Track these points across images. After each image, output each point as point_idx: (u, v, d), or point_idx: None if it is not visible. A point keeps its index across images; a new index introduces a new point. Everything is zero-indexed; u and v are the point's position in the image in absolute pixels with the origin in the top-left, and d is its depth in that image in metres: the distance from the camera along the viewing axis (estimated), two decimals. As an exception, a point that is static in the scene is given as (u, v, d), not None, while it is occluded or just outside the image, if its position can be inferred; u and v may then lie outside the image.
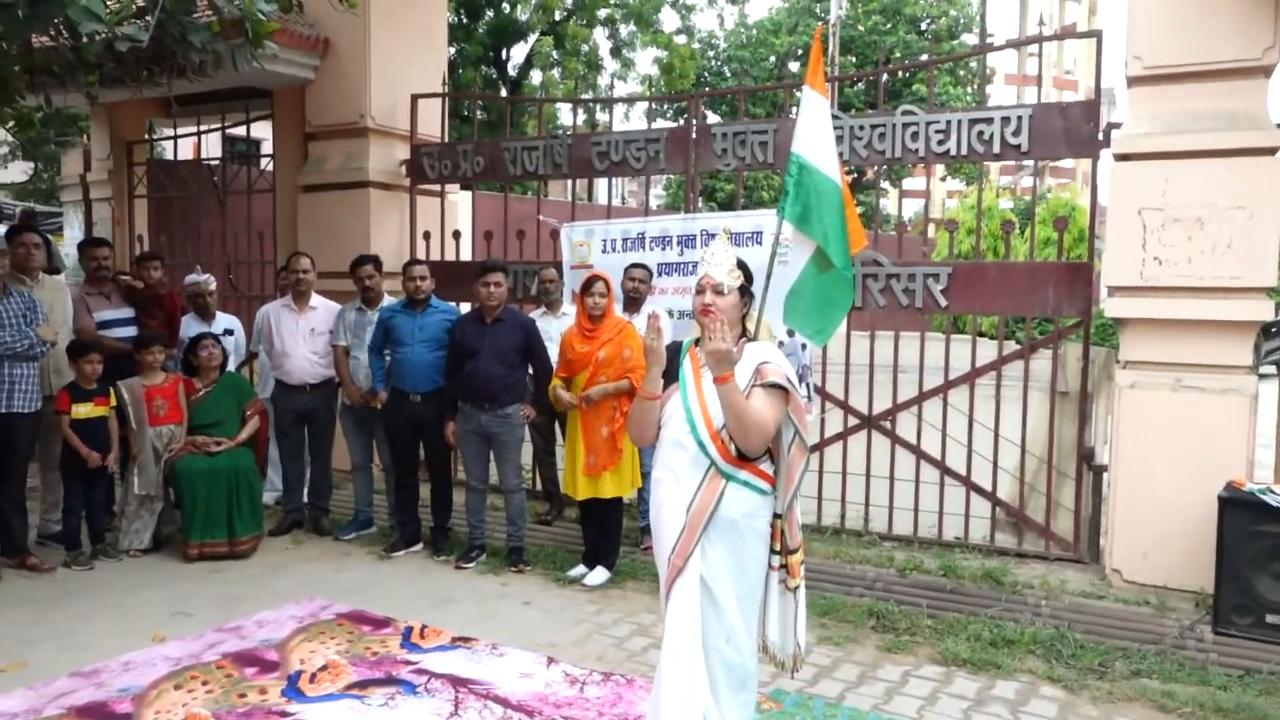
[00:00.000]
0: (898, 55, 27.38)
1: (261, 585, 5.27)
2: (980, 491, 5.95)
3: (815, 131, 3.36)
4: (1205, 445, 5.03)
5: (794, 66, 31.48)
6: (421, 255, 7.57)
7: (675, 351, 3.17)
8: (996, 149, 5.75)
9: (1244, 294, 4.98)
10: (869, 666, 4.28)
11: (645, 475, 5.80)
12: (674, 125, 7.21)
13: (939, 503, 5.99)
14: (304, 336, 6.17)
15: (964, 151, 5.84)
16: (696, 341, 3.15)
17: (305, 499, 6.45)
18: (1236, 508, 4.67)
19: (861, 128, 6.05)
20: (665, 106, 27.25)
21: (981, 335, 6.39)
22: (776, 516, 3.04)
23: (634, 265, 6.09)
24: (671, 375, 3.09)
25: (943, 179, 32.43)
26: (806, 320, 3.47)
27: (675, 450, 3.01)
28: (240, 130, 9.03)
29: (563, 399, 5.33)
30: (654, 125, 7.02)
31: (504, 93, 20.61)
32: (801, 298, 3.43)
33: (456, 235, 7.66)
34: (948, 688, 4.06)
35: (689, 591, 2.94)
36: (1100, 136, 5.51)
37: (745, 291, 3.12)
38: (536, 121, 8.55)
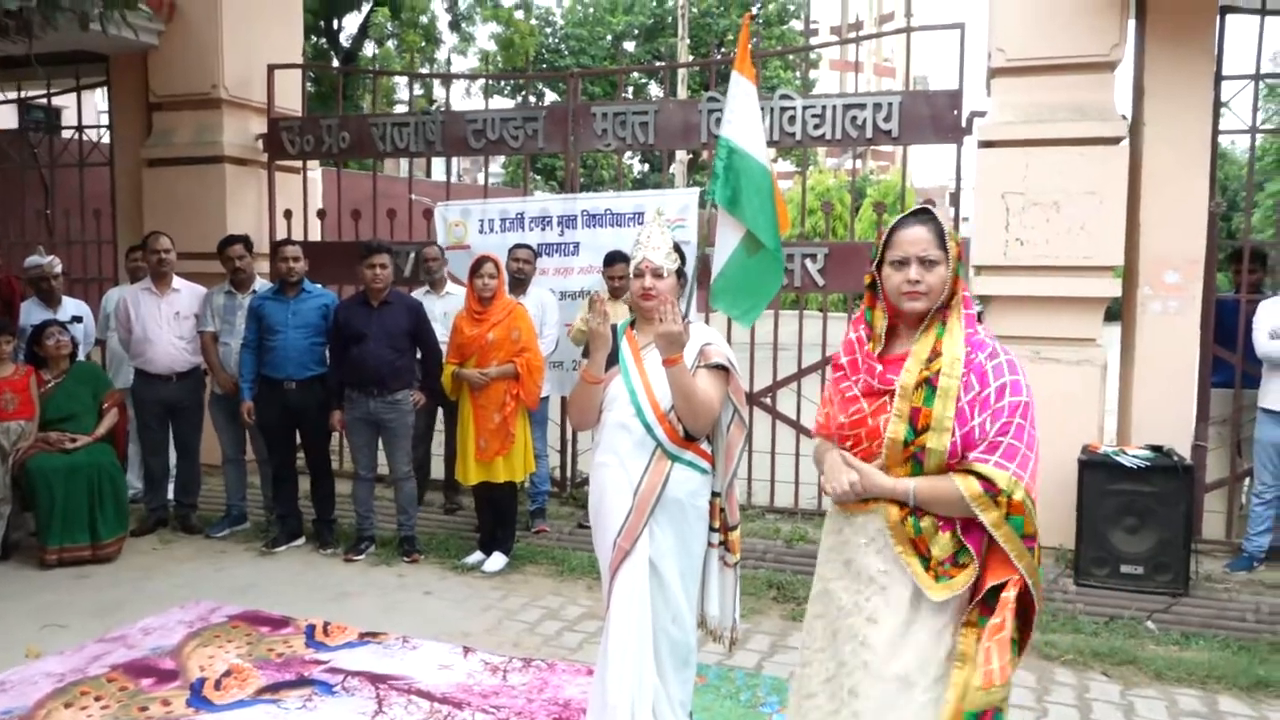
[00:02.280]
0: (730, 39, 27.99)
1: (137, 590, 4.93)
2: (856, 462, 6.22)
3: (743, 115, 3.42)
4: (1063, 412, 5.43)
5: (629, 46, 31.68)
6: (282, 235, 7.21)
7: (611, 334, 3.16)
8: (869, 134, 6.00)
9: (1095, 272, 5.42)
10: (778, 636, 4.43)
11: (538, 458, 5.79)
12: (553, 104, 7.12)
13: (818, 474, 6.21)
14: (167, 321, 5.77)
15: (838, 136, 6.06)
16: (632, 324, 3.16)
17: (170, 495, 6.06)
18: (1093, 469, 5.09)
19: (741, 111, 6.17)
20: (503, 85, 26.96)
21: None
22: (715, 495, 3.11)
23: (518, 245, 6.01)
24: (609, 358, 3.09)
25: (775, 160, 33.53)
26: (735, 302, 3.54)
27: (620, 433, 3.02)
28: (66, 99, 8.29)
29: (469, 376, 5.20)
30: (519, 103, 6.93)
31: (335, 64, 19.76)
32: (730, 280, 3.49)
33: (321, 214, 7.33)
34: (855, 651, 4.25)
35: (637, 573, 2.96)
36: (964, 124, 5.83)
37: (680, 274, 3.15)
38: (371, 95, 8.25)
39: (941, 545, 2.17)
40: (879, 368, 2.25)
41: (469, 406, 5.29)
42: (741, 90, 3.44)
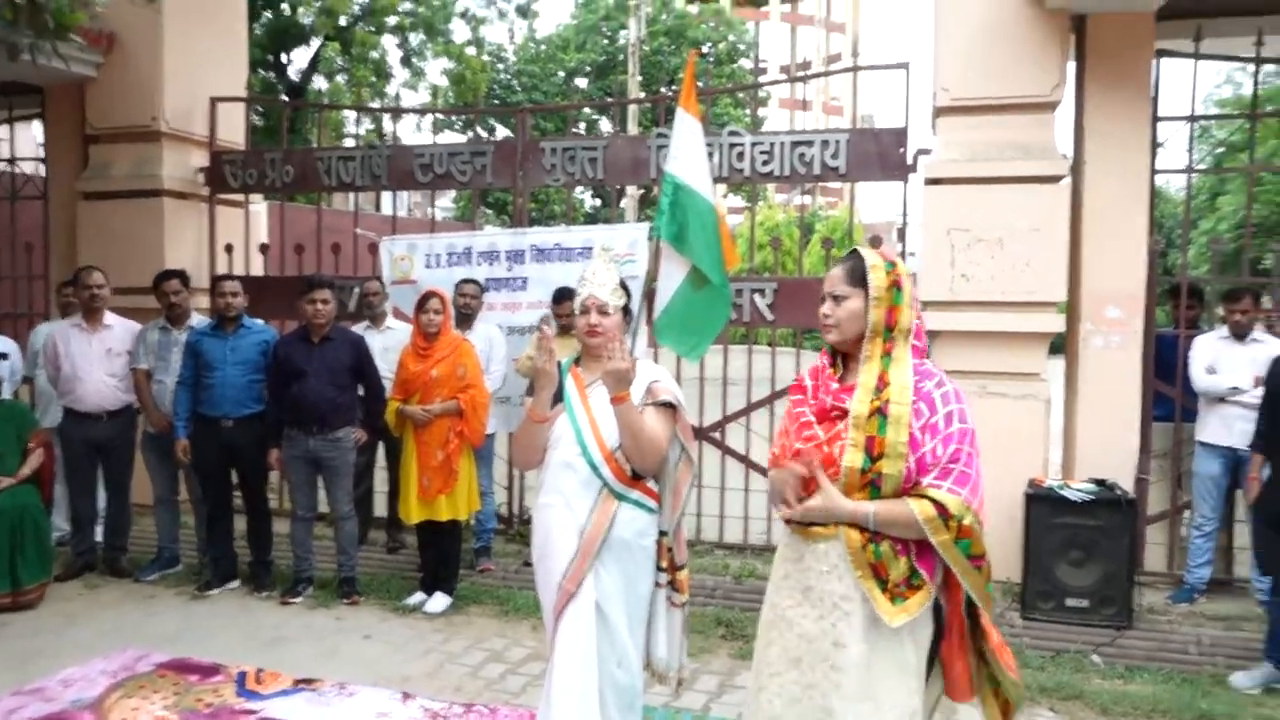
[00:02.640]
0: (681, 76, 28.33)
1: (59, 637, 4.71)
2: (806, 498, 6.19)
3: (689, 152, 3.40)
4: (1009, 446, 5.45)
5: (582, 83, 31.93)
6: (223, 269, 7.08)
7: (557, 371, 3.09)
8: (817, 170, 6.04)
9: (1039, 308, 5.47)
10: (726, 675, 4.35)
11: (483, 496, 5.67)
12: (502, 139, 7.08)
13: (767, 509, 6.18)
14: (99, 358, 5.56)
15: (786, 172, 6.10)
16: (577, 360, 3.10)
17: (98, 538, 5.83)
18: (1040, 503, 5.11)
19: (689, 147, 6.19)
20: (454, 120, 27.01)
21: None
22: (662, 534, 3.04)
23: (464, 280, 5.92)
24: (554, 396, 3.02)
25: (725, 195, 33.82)
26: (681, 338, 3.49)
27: (565, 473, 2.95)
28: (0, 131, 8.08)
29: (412, 413, 5.09)
30: (468, 137, 6.89)
31: (282, 98, 19.58)
32: (675, 316, 3.45)
33: (264, 249, 7.19)
34: (805, 691, 4.18)
35: (583, 616, 2.89)
36: (910, 162, 5.89)
37: (626, 310, 3.10)
38: (318, 130, 8.13)
39: (899, 569, 2.26)
40: (835, 385, 2.39)
41: (412, 444, 5.18)
42: (687, 127, 3.43)
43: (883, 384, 2.30)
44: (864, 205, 37.91)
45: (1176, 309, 5.81)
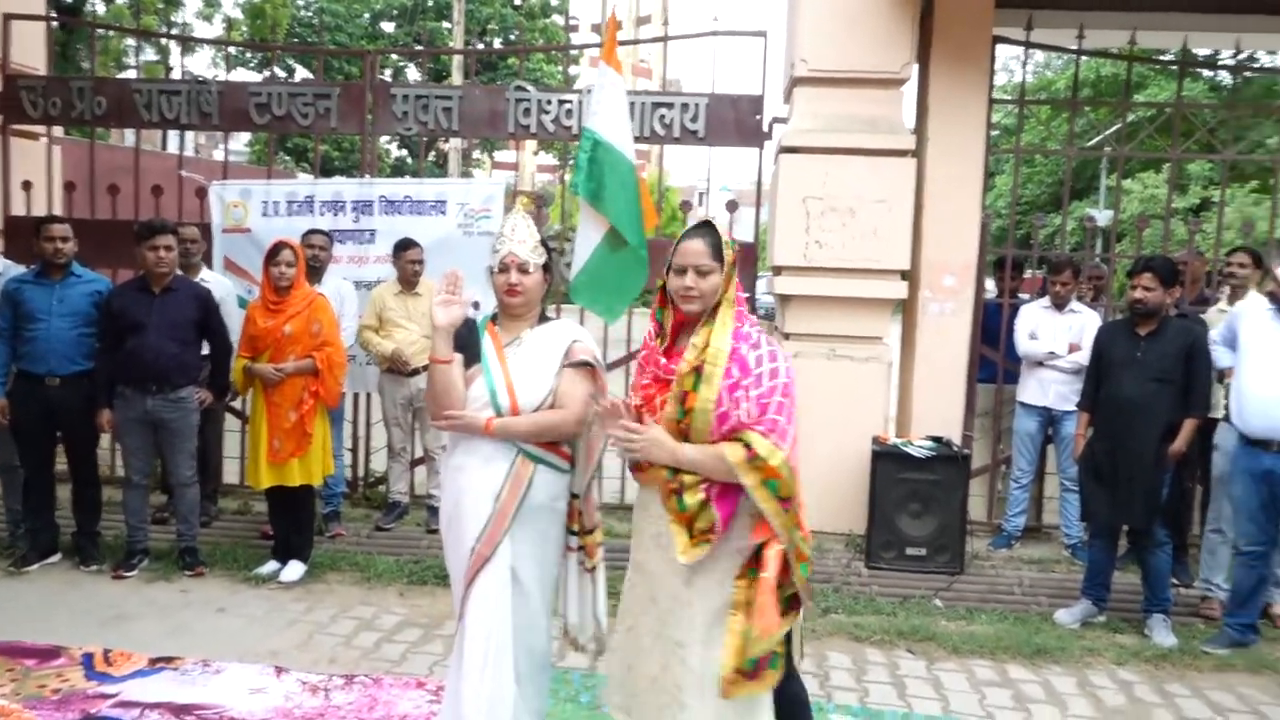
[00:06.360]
0: (493, 26, 27.74)
1: None
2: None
3: (611, 109, 3.34)
4: (854, 406, 5.74)
5: (389, 27, 30.54)
6: (19, 209, 6.36)
7: (470, 329, 2.99)
8: (676, 133, 6.07)
9: (884, 275, 5.78)
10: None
11: (335, 459, 5.42)
12: (349, 81, 6.67)
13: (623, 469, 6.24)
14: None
15: (646, 134, 6.10)
16: (494, 318, 3.01)
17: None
18: (885, 459, 5.43)
19: (549, 103, 6.09)
20: (249, 58, 25.23)
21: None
22: (574, 496, 3.02)
23: (312, 231, 5.60)
24: (471, 357, 2.93)
25: (535, 153, 33.36)
26: (597, 298, 3.45)
27: (479, 435, 2.86)
28: None
29: (262, 372, 4.78)
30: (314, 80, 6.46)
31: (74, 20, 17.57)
32: (593, 275, 3.40)
33: (70, 188, 6.48)
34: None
35: (498, 581, 2.84)
36: (765, 129, 6.03)
37: (547, 269, 3.03)
38: (92, 56, 7.42)
39: (705, 519, 2.45)
40: (663, 360, 2.57)
41: (261, 405, 4.88)
42: (609, 82, 3.36)
43: (707, 345, 2.46)
44: (675, 169, 38.58)
45: (1001, 280, 6.27)
